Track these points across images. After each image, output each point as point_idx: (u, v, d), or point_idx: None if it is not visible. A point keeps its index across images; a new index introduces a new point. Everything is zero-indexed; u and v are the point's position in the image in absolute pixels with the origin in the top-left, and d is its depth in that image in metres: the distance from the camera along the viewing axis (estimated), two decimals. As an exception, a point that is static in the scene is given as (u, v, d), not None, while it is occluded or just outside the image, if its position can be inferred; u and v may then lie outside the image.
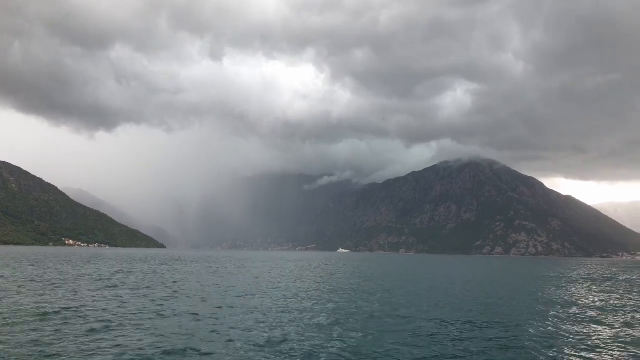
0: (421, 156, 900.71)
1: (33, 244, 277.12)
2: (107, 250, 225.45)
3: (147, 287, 37.73)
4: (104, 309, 24.98)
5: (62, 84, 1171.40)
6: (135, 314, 23.71)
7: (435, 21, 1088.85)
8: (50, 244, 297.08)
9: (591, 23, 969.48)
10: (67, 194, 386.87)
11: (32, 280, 40.27)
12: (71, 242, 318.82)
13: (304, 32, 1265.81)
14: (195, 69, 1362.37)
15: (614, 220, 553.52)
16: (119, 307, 26.04)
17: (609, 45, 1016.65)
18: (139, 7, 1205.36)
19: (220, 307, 26.83)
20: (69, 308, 24.90)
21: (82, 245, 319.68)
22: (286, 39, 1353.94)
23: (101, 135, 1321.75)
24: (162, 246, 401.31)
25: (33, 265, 63.96)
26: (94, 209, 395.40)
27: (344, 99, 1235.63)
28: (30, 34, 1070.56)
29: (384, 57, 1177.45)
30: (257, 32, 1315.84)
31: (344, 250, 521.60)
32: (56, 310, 23.99)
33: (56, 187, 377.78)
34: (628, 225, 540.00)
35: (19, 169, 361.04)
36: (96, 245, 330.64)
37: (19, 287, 34.76)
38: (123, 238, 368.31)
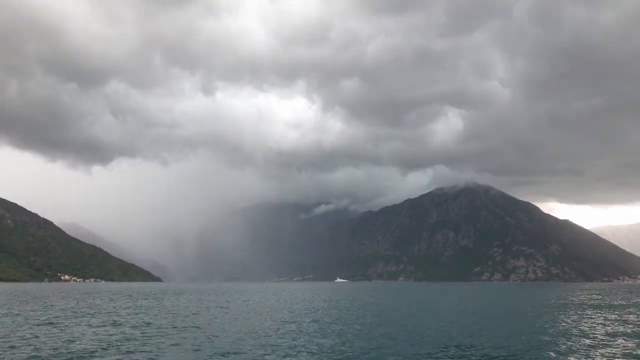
0: (417, 183, 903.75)
1: (28, 280, 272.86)
2: (105, 285, 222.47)
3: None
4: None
5: (58, 120, 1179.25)
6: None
7: (422, 51, 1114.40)
8: (45, 279, 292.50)
9: (572, 51, 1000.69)
10: (63, 229, 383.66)
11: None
12: (67, 277, 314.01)
13: (293, 65, 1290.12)
14: (188, 103, 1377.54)
15: (613, 244, 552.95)
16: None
17: (590, 72, 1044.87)
18: (133, 45, 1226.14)
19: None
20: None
21: (78, 280, 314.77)
22: (276, 72, 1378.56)
23: (97, 169, 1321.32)
24: (158, 279, 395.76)
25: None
26: (90, 243, 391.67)
27: (336, 128, 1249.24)
28: (27, 72, 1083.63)
29: (372, 87, 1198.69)
30: (247, 66, 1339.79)
31: (341, 280, 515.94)
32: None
33: (52, 222, 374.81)
34: (627, 248, 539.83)
35: (14, 205, 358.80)
36: (92, 280, 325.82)
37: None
38: (118, 272, 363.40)
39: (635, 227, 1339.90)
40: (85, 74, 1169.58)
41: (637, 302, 73.28)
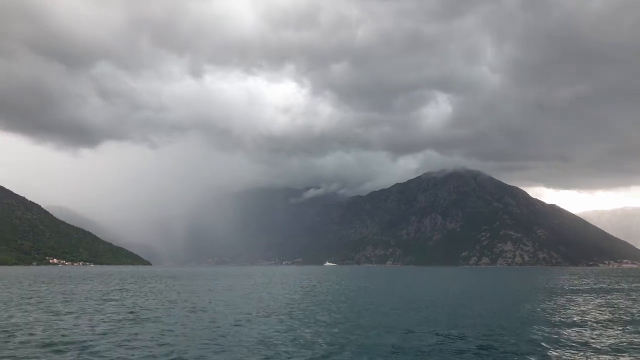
0: (406, 168, 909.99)
1: (16, 264, 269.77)
2: (95, 269, 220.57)
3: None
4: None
5: (45, 102, 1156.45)
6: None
7: (411, 35, 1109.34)
8: (34, 263, 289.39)
9: (560, 38, 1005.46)
10: (51, 212, 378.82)
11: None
12: (55, 260, 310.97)
13: (282, 48, 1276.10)
14: (176, 86, 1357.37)
15: (599, 228, 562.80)
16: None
17: (577, 59, 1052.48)
18: (120, 27, 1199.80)
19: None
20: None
21: (67, 263, 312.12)
22: (265, 55, 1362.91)
23: (85, 152, 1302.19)
24: (147, 263, 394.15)
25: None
26: (78, 226, 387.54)
27: (326, 112, 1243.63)
28: (12, 54, 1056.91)
29: (362, 71, 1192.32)
30: (235, 49, 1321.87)
31: (330, 264, 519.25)
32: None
33: (39, 206, 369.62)
34: (612, 232, 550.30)
35: (1, 187, 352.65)
36: (80, 263, 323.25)
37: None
38: (108, 255, 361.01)
39: (619, 211, 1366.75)
40: (72, 55, 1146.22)
41: (625, 287, 74.07)
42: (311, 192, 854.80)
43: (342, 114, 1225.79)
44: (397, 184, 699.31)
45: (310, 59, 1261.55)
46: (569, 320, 30.58)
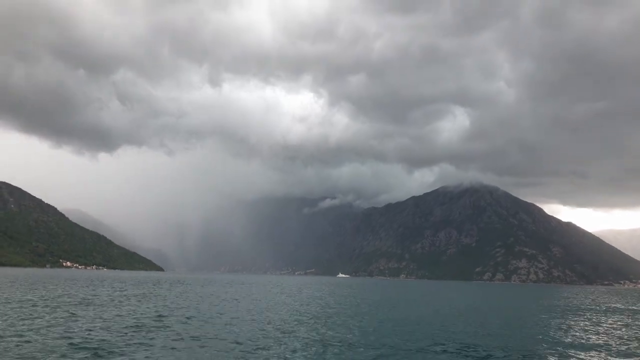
0: (422, 181, 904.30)
1: (30, 266, 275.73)
2: (109, 273, 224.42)
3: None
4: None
5: (65, 106, 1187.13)
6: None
7: (428, 50, 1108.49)
8: (47, 265, 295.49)
9: (576, 54, 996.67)
10: (66, 215, 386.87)
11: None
12: (69, 264, 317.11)
13: (299, 59, 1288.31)
14: (195, 94, 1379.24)
15: (615, 248, 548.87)
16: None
17: (594, 75, 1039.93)
18: (142, 35, 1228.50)
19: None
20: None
21: (80, 267, 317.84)
22: (282, 66, 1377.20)
23: (103, 156, 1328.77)
24: (160, 269, 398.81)
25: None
26: (93, 230, 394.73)
27: (342, 123, 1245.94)
28: (35, 58, 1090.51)
29: (379, 84, 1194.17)
30: (254, 59, 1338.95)
31: (343, 275, 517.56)
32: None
33: (55, 208, 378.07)
34: (629, 253, 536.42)
35: (18, 189, 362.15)
36: (94, 267, 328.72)
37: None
38: (121, 260, 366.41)
39: (638, 231, 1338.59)
40: (93, 61, 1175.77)
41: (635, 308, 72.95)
42: (327, 203, 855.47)
43: (358, 125, 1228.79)
44: (413, 196, 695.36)
45: (328, 70, 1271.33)
46: (568, 341, 30.93)
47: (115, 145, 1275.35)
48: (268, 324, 33.01)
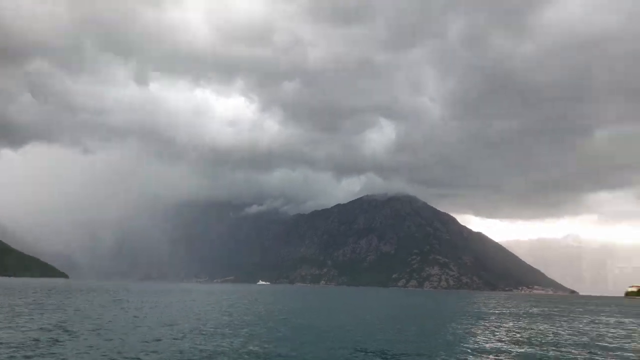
0: (349, 189, 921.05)
1: None
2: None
3: None
4: None
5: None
6: None
7: (362, 62, 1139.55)
8: None
9: (495, 76, 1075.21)
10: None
11: None
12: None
13: (232, 62, 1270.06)
14: (119, 91, 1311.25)
15: (517, 257, 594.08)
16: None
17: (510, 96, 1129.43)
18: (63, 25, 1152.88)
19: None
20: None
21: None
22: (214, 68, 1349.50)
23: (5, 152, 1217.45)
24: (64, 275, 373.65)
25: None
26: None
27: (273, 128, 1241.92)
28: None
29: (312, 92, 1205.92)
30: (184, 59, 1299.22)
31: (263, 283, 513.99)
32: None
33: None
34: (528, 261, 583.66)
35: None
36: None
37: None
38: (19, 266, 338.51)
39: (535, 242, 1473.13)
40: (5, 49, 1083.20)
41: (528, 311, 77.22)
42: (254, 208, 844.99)
43: (289, 131, 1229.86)
44: (339, 204, 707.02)
45: (261, 75, 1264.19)
46: (476, 344, 31.66)
47: (22, 141, 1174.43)
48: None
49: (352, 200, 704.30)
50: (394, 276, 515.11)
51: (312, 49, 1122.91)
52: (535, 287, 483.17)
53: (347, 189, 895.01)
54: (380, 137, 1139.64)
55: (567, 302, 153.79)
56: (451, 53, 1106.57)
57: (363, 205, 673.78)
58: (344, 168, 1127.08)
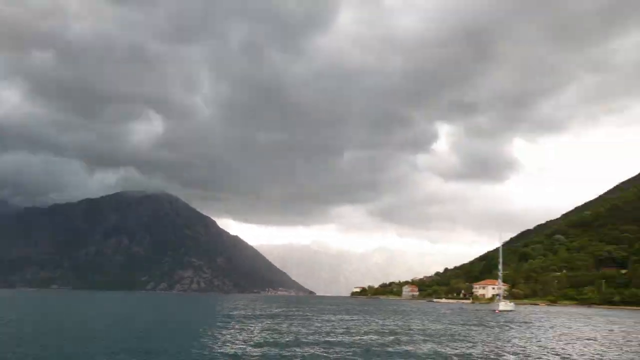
0: (103, 182, 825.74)
1: None
2: None
3: None
4: None
5: None
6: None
7: (135, 48, 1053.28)
8: None
9: (267, 89, 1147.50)
10: None
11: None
12: None
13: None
14: None
15: (268, 260, 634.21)
16: None
17: (279, 111, 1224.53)
18: None
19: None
20: None
21: None
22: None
23: None
24: None
25: None
26: None
27: (12, 101, 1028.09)
28: None
29: (70, 68, 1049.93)
30: None
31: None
32: None
33: None
34: (277, 264, 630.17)
35: None
36: None
37: None
38: None
39: (286, 246, 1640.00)
40: None
41: (272, 313, 72.81)
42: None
43: (33, 108, 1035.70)
44: (88, 199, 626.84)
45: (5, 35, 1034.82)
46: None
47: None
48: None
49: (105, 195, 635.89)
50: (143, 279, 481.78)
51: (77, 21, 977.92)
52: (280, 288, 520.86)
53: (101, 182, 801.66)
54: (145, 130, 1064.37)
55: (305, 301, 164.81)
56: (229, 58, 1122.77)
57: (117, 202, 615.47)
58: (99, 159, 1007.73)
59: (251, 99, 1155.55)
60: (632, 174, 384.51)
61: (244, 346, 28.35)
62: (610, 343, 34.61)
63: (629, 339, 37.76)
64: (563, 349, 30.11)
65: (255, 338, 32.62)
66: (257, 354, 25.68)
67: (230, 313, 67.61)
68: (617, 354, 28.65)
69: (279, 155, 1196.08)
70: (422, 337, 33.74)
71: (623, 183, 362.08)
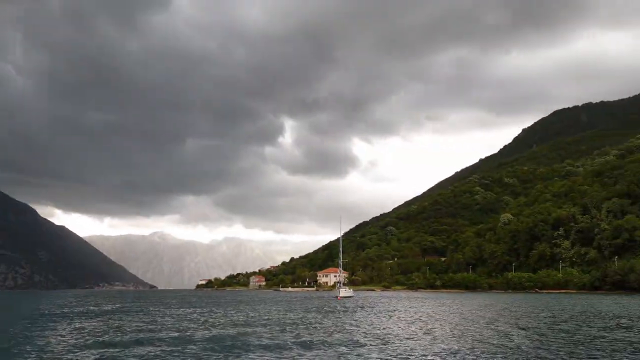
0: None
1: None
2: None
3: None
4: None
5: None
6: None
7: None
8: None
9: (99, 64, 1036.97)
10: None
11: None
12: None
13: None
14: None
15: (102, 253, 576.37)
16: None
17: (112, 89, 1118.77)
18: None
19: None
20: None
21: None
22: None
23: None
24: None
25: None
26: None
27: None
28: None
29: None
30: None
31: None
32: None
33: None
34: (114, 257, 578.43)
35: None
36: None
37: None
38: None
39: (120, 238, 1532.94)
40: None
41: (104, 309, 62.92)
42: None
43: None
44: None
45: None
46: None
47: None
48: None
49: None
50: None
51: None
52: (117, 283, 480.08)
53: None
54: None
55: (146, 296, 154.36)
56: (49, 24, 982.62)
57: None
58: None
59: (79, 75, 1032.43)
60: (449, 174, 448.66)
61: (73, 349, 24.47)
62: (442, 319, 38.83)
63: (450, 315, 43.06)
64: (396, 327, 32.71)
65: (85, 339, 28.60)
66: (89, 358, 22.24)
67: (55, 311, 59.39)
68: (442, 330, 32.00)
69: (112, 139, 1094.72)
70: (262, 327, 33.38)
71: (442, 182, 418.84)
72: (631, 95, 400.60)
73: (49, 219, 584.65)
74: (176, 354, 22.15)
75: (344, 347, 23.68)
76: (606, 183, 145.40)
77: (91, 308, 67.38)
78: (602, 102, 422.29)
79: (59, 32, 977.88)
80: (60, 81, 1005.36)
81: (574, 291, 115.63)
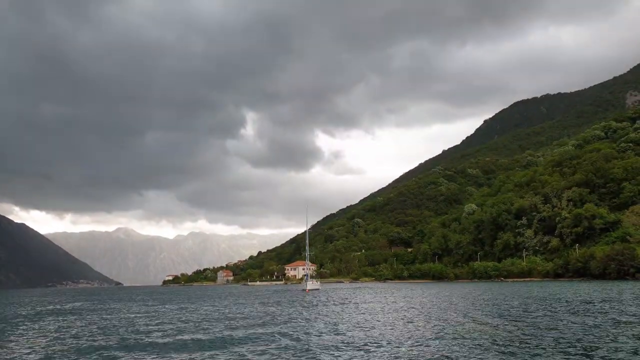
0: None
1: None
2: None
3: None
4: None
5: None
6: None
7: None
8: None
9: (52, 57, 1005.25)
10: None
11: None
12: None
13: None
14: None
15: (64, 250, 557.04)
16: None
17: (69, 82, 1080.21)
18: None
19: None
20: None
21: None
22: None
23: None
24: None
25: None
26: None
27: None
28: None
29: None
30: None
31: None
32: None
33: None
34: (76, 254, 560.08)
35: None
36: None
37: None
38: None
39: (85, 234, 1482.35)
40: None
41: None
42: None
43: None
44: None
45: None
46: None
47: None
48: None
49: None
50: None
51: None
52: (81, 280, 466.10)
53: None
54: None
55: (111, 293, 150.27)
56: (0, 16, 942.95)
57: None
58: None
59: (31, 67, 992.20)
60: (412, 166, 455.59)
61: (29, 352, 23.11)
62: (409, 309, 39.04)
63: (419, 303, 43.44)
64: (362, 316, 32.64)
65: (47, 341, 27.17)
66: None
67: (16, 311, 56.82)
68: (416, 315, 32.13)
69: (70, 133, 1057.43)
70: (229, 322, 32.85)
71: (406, 173, 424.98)
72: (587, 86, 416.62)
73: (7, 216, 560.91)
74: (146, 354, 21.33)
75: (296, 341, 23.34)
76: (565, 173, 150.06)
77: (50, 307, 65.00)
78: (559, 94, 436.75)
79: (8, 23, 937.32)
80: (12, 74, 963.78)
81: (538, 279, 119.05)
